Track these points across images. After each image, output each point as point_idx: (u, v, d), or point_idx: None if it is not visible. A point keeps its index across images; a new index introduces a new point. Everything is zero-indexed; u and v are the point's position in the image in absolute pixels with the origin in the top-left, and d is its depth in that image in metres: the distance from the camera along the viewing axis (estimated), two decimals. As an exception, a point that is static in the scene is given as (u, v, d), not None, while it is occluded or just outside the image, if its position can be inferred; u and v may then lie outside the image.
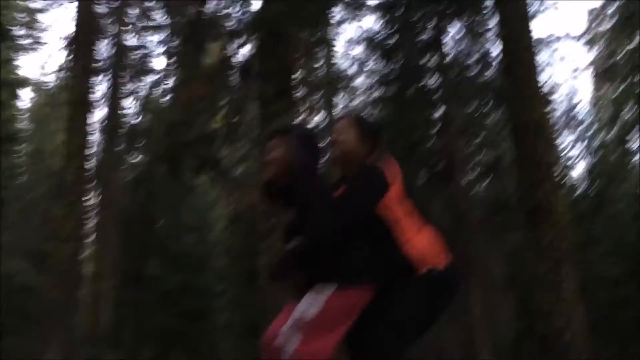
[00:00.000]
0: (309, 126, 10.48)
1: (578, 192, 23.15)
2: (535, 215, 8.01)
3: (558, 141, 25.75)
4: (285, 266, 2.46)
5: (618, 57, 27.48)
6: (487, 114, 15.09)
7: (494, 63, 13.45)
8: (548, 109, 12.97)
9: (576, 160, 23.95)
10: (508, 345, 17.82)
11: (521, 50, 8.79)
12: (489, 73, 13.80)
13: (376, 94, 16.87)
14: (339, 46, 16.75)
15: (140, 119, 22.59)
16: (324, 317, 2.22)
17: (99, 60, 17.02)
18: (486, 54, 13.80)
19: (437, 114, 15.22)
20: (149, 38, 20.66)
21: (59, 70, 26.36)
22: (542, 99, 8.82)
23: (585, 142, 23.62)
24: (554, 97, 15.23)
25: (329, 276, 2.29)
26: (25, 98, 28.06)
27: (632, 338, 17.88)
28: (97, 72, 16.33)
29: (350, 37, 16.91)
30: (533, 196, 8.05)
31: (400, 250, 2.34)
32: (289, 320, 2.26)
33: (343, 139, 2.57)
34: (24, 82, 23.89)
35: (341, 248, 2.32)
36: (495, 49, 12.98)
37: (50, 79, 32.70)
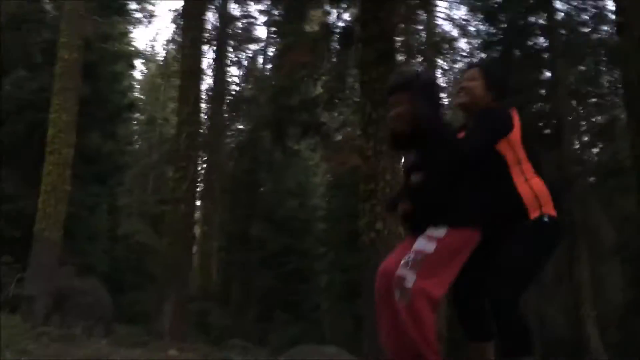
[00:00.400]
0: (427, 72, 10.33)
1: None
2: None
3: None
4: (401, 199, 2.62)
5: None
6: (600, 75, 14.23)
7: (608, 20, 12.63)
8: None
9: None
10: (615, 315, 17.08)
11: (637, 5, 8.24)
12: (603, 31, 12.97)
13: (480, 56, 16.36)
14: (441, 9, 16.26)
15: (244, 86, 23.38)
16: (438, 255, 2.35)
17: (206, 31, 17.68)
18: (601, 10, 12.94)
19: (546, 75, 14.58)
20: (252, 7, 21.20)
21: (169, 42, 27.76)
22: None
23: None
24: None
25: (441, 215, 2.42)
26: (139, 69, 29.78)
27: None
28: (205, 42, 16.99)
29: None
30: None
31: (517, 190, 2.40)
32: (406, 256, 2.41)
33: (471, 86, 2.65)
34: (137, 54, 25.23)
35: (456, 187, 2.44)
36: (611, 5, 12.18)
37: (161, 51, 34.42)
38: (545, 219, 2.43)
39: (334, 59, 10.56)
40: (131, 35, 22.56)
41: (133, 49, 23.04)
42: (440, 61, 16.61)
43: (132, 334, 10.36)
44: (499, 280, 2.39)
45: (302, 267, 21.72)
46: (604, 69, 13.65)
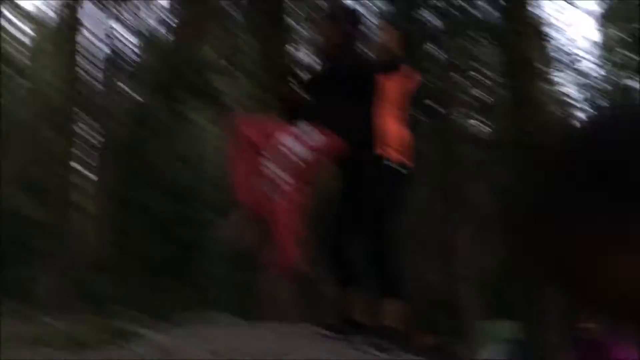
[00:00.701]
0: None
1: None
2: (529, 153, 8.20)
3: (558, 81, 25.74)
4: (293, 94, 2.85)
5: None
6: (483, 52, 15.03)
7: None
8: (546, 48, 12.97)
9: (578, 100, 23.98)
10: (490, 278, 18.53)
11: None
12: (486, 10, 13.65)
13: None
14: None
15: (135, 49, 22.35)
16: (309, 161, 2.54)
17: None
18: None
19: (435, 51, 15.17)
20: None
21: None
22: (538, 38, 8.86)
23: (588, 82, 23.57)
24: (555, 37, 15.07)
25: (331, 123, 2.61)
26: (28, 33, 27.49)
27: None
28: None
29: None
30: (525, 134, 8.24)
31: (373, 124, 2.59)
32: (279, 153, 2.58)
33: (385, 37, 3.09)
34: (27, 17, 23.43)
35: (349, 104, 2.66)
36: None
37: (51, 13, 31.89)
38: (398, 166, 2.62)
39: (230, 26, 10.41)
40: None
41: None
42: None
43: (10, 307, 9.83)
44: (363, 222, 2.59)
45: (195, 235, 21.52)
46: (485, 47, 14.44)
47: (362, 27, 3.09)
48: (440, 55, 14.18)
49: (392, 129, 2.61)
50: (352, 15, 3.09)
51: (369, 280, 2.63)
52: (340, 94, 2.70)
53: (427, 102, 14.63)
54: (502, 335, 15.54)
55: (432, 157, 13.32)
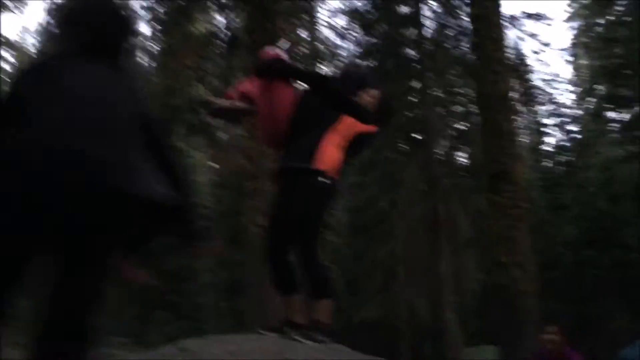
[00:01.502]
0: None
1: (551, 160, 24.27)
2: (497, 179, 8.86)
3: (532, 112, 26.75)
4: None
5: (593, 34, 28.35)
6: (461, 86, 15.82)
7: (468, 38, 14.08)
8: (516, 82, 13.76)
9: (549, 130, 24.97)
10: (473, 302, 19.01)
11: (490, 27, 9.50)
12: (464, 47, 14.45)
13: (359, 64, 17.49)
14: (324, 16, 17.19)
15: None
16: None
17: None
18: (462, 29, 14.40)
19: (417, 85, 15.91)
20: (136, 3, 20.81)
21: (40, 31, 26.30)
22: (507, 74, 9.56)
23: (559, 114, 24.59)
24: (527, 70, 15.93)
25: None
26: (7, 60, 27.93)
27: (590, 297, 19.16)
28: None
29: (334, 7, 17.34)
30: (495, 162, 8.88)
31: (323, 144, 3.06)
32: None
33: (366, 99, 3.32)
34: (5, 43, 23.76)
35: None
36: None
37: (31, 40, 32.46)
38: (324, 179, 3.03)
39: (221, 63, 10.98)
40: None
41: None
42: (323, 68, 17.52)
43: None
44: (294, 232, 3.06)
45: (184, 266, 21.67)
46: (463, 81, 15.23)
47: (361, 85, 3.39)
48: (422, 88, 14.91)
49: (334, 152, 3.06)
50: (362, 78, 3.54)
51: (304, 284, 3.07)
52: (308, 113, 3.13)
53: (412, 133, 15.35)
54: None
55: (416, 186, 13.95)
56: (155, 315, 19.41)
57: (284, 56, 3.23)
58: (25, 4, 22.71)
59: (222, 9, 10.90)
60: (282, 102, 3.15)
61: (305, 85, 3.23)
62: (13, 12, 23.32)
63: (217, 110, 3.31)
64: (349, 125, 3.12)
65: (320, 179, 3.02)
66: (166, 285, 20.77)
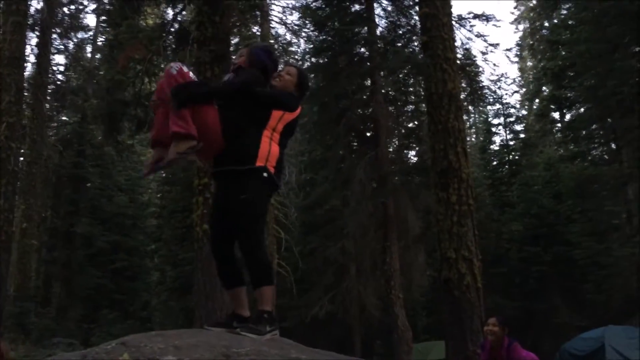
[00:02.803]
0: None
1: (497, 159, 24.97)
2: (445, 176, 9.01)
3: (479, 111, 27.46)
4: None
5: (538, 36, 29.34)
6: (411, 85, 16.04)
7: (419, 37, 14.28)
8: (462, 82, 14.03)
9: (496, 129, 25.66)
10: (423, 293, 19.38)
11: (440, 26, 9.65)
12: (413, 46, 14.65)
13: (311, 61, 17.58)
14: (276, 13, 17.16)
15: (70, 76, 22.28)
16: None
17: (30, 16, 16.68)
18: (412, 28, 14.59)
19: (367, 82, 16.05)
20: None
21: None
22: (455, 73, 9.71)
23: (506, 113, 25.32)
24: (475, 70, 16.27)
25: None
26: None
27: (535, 292, 19.78)
28: (28, 27, 16.05)
29: (286, 3, 17.32)
30: (443, 160, 9.03)
31: (259, 140, 3.16)
32: None
33: (287, 78, 3.42)
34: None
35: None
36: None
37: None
38: (265, 174, 3.15)
39: (170, 57, 10.78)
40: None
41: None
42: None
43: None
44: (238, 223, 3.11)
45: (131, 265, 21.33)
46: (413, 80, 15.45)
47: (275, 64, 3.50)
48: (373, 86, 15.03)
49: (272, 148, 3.14)
50: (270, 53, 3.56)
51: (248, 276, 3.16)
52: (237, 111, 3.18)
53: (363, 132, 15.48)
54: (433, 355, 16.25)
55: (366, 183, 14.05)
56: (102, 315, 19.02)
57: (187, 73, 3.14)
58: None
59: (171, 2, 10.70)
60: (209, 119, 3.15)
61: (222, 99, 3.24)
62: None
63: (170, 162, 3.26)
64: (277, 118, 3.23)
65: (264, 174, 3.13)
66: (113, 285, 20.43)
